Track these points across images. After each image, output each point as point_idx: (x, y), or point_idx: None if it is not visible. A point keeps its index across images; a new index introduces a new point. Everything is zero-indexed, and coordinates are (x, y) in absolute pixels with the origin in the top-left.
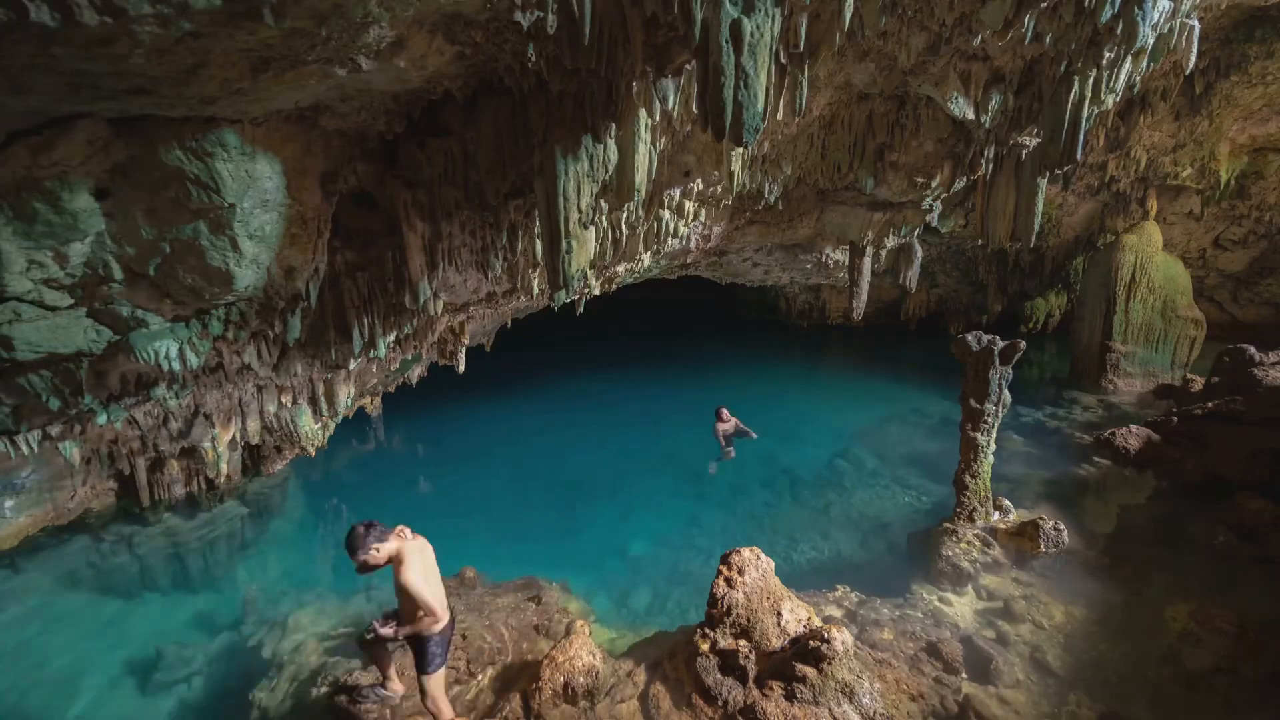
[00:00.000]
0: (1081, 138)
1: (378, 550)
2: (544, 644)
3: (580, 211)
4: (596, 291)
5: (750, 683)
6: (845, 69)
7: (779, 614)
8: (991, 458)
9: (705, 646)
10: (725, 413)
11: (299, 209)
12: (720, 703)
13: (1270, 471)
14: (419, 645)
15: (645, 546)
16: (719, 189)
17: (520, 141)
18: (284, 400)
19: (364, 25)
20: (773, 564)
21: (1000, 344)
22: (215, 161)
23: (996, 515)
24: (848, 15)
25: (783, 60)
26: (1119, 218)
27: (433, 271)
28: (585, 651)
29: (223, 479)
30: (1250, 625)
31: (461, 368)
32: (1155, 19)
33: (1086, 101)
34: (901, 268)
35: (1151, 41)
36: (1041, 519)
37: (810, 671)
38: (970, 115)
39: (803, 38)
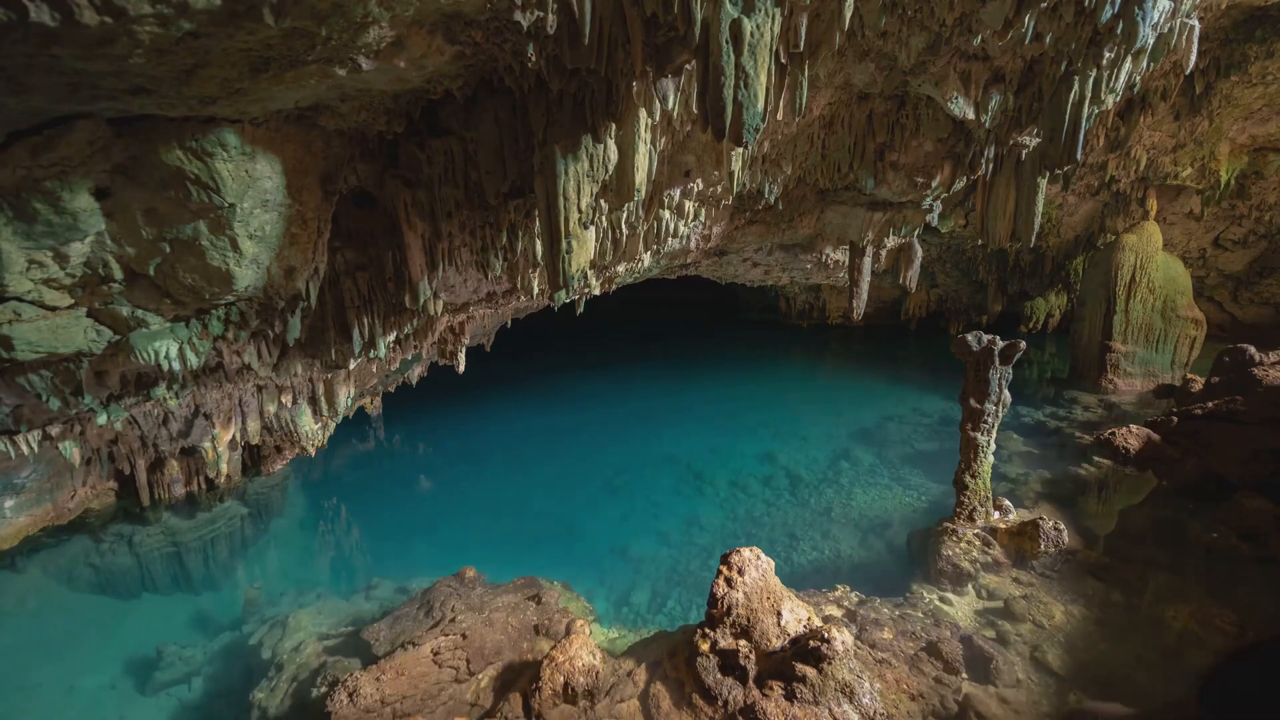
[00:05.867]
0: (1081, 138)
1: None
2: (544, 644)
3: (580, 211)
4: (596, 291)
5: (750, 682)
6: (845, 69)
7: (779, 614)
8: (991, 458)
9: (705, 646)
10: None
11: (299, 209)
12: (720, 702)
13: (1270, 471)
14: None
15: (645, 546)
16: (719, 189)
17: (520, 141)
18: (284, 400)
19: (364, 25)
20: (773, 564)
21: (1000, 344)
22: (215, 161)
23: (996, 515)
24: (848, 15)
25: (783, 60)
26: (1119, 218)
27: (433, 271)
28: (585, 651)
29: (223, 479)
30: (1250, 625)
31: (461, 368)
32: (1155, 19)
33: (1086, 101)
34: (901, 268)
35: (1151, 41)
36: (1041, 519)
37: (810, 671)
38: (970, 115)
39: (803, 38)
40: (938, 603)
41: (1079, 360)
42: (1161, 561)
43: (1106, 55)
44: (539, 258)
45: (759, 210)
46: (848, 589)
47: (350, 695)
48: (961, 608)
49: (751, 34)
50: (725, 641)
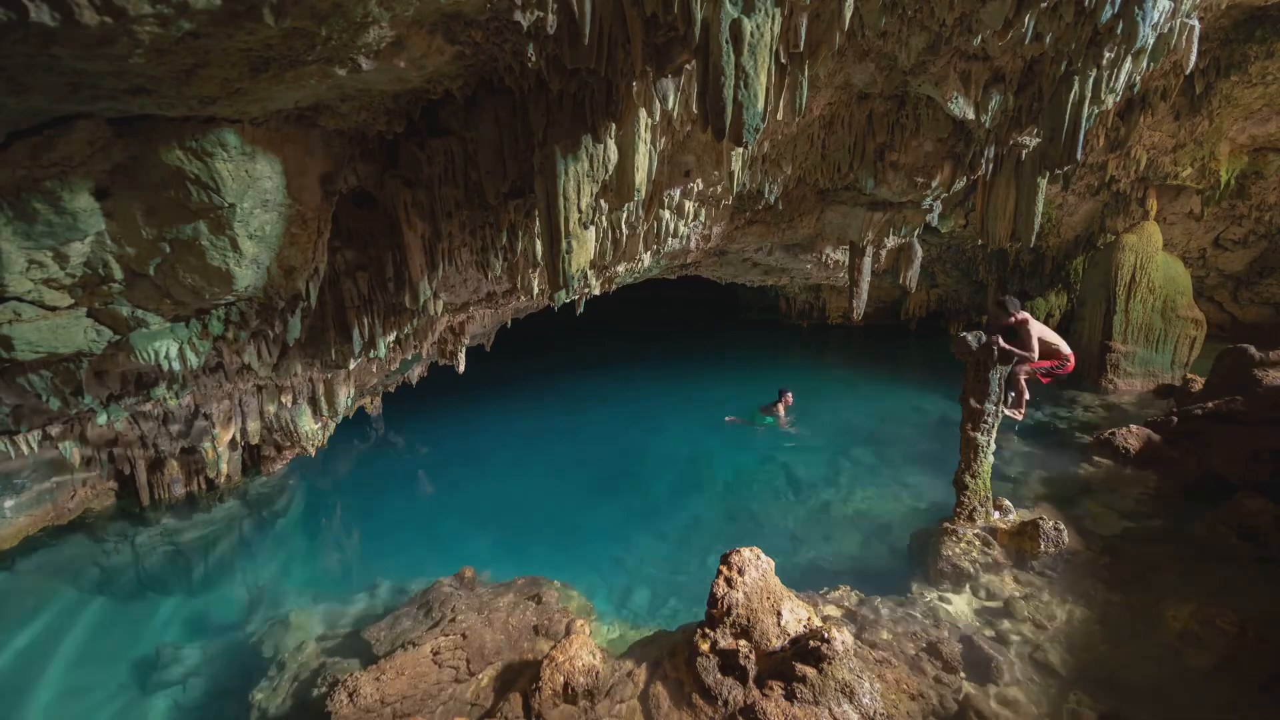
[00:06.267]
0: (1081, 138)
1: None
2: (544, 644)
3: (580, 211)
4: (596, 291)
5: (750, 682)
6: (845, 69)
7: (779, 614)
8: (991, 458)
9: (705, 646)
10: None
11: (299, 209)
12: (720, 702)
13: (1270, 471)
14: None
15: (645, 546)
16: (719, 189)
17: (520, 141)
18: (284, 400)
19: (364, 25)
20: (773, 564)
21: (1000, 344)
22: (215, 161)
23: (996, 515)
24: (848, 15)
25: (783, 60)
26: (1119, 218)
27: (433, 271)
28: (585, 651)
29: (223, 479)
30: (1250, 625)
31: (461, 368)
32: (1155, 19)
33: (1086, 101)
34: (901, 268)
35: (1151, 41)
36: (1041, 519)
37: (810, 671)
38: (970, 115)
39: (803, 38)
40: (938, 603)
41: (1079, 360)
42: (1161, 562)
43: (1106, 55)
44: (539, 258)
45: (759, 210)
46: (848, 589)
47: (350, 695)
48: (961, 608)
49: (751, 34)
50: (725, 641)
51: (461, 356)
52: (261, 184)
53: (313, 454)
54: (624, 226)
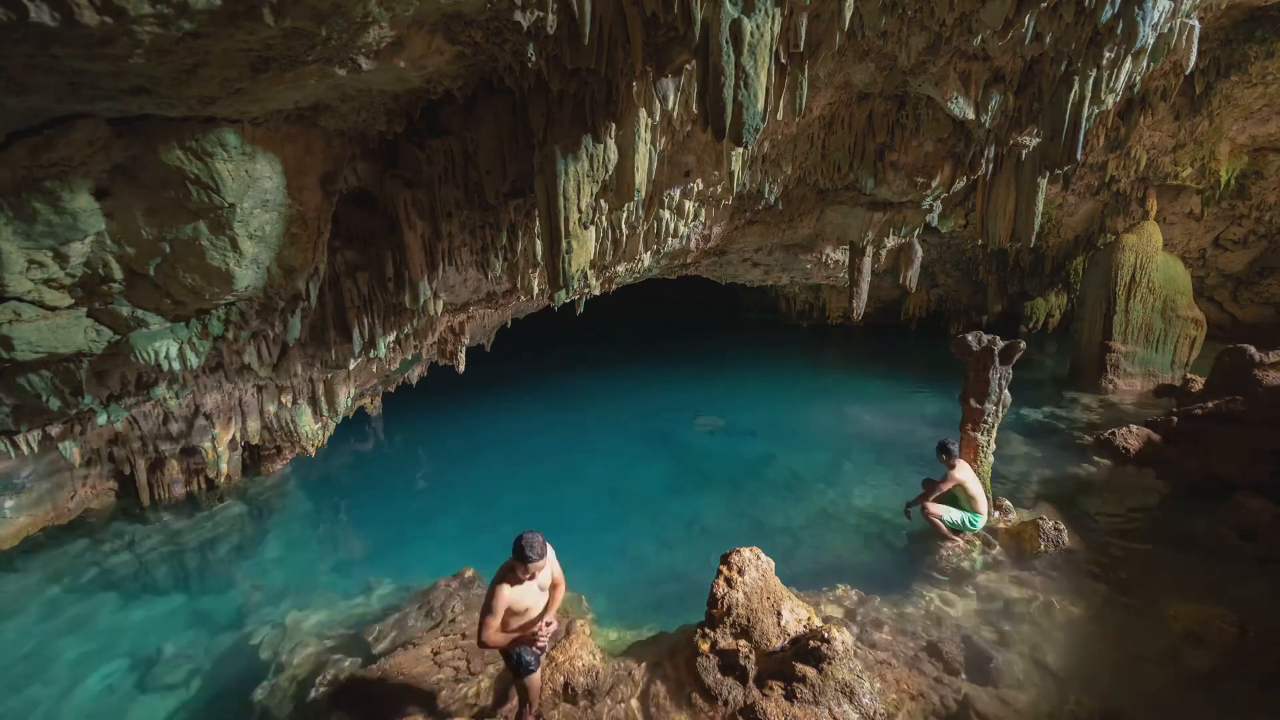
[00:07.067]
0: (1081, 137)
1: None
2: None
3: (580, 211)
4: (596, 291)
5: (750, 682)
6: (845, 69)
7: (779, 614)
8: (991, 458)
9: (705, 646)
10: None
11: (299, 209)
12: (720, 702)
13: (1270, 471)
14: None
15: (645, 546)
16: (719, 189)
17: (520, 141)
18: (284, 400)
19: (364, 25)
20: (773, 564)
21: (1000, 344)
22: (215, 161)
23: (996, 515)
24: (848, 15)
25: (783, 60)
26: (1119, 218)
27: (433, 271)
28: (585, 651)
29: (223, 479)
30: (1250, 625)
31: (461, 368)
32: (1155, 19)
33: (1086, 101)
34: (901, 268)
35: (1151, 41)
36: (1041, 519)
37: (810, 671)
38: (970, 115)
39: (803, 38)
40: (938, 603)
41: (1079, 360)
42: (1162, 561)
43: (1106, 55)
44: (539, 258)
45: (759, 210)
46: (848, 589)
47: (351, 695)
48: (961, 608)
49: (751, 34)
50: (725, 641)
51: (461, 356)
52: (261, 184)
53: (313, 454)
54: (624, 226)
